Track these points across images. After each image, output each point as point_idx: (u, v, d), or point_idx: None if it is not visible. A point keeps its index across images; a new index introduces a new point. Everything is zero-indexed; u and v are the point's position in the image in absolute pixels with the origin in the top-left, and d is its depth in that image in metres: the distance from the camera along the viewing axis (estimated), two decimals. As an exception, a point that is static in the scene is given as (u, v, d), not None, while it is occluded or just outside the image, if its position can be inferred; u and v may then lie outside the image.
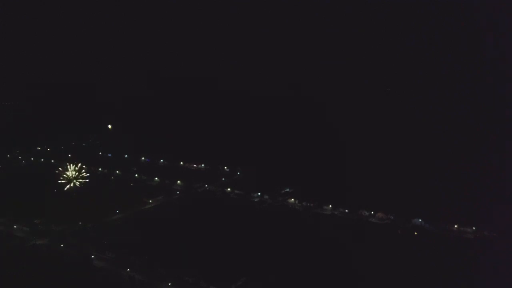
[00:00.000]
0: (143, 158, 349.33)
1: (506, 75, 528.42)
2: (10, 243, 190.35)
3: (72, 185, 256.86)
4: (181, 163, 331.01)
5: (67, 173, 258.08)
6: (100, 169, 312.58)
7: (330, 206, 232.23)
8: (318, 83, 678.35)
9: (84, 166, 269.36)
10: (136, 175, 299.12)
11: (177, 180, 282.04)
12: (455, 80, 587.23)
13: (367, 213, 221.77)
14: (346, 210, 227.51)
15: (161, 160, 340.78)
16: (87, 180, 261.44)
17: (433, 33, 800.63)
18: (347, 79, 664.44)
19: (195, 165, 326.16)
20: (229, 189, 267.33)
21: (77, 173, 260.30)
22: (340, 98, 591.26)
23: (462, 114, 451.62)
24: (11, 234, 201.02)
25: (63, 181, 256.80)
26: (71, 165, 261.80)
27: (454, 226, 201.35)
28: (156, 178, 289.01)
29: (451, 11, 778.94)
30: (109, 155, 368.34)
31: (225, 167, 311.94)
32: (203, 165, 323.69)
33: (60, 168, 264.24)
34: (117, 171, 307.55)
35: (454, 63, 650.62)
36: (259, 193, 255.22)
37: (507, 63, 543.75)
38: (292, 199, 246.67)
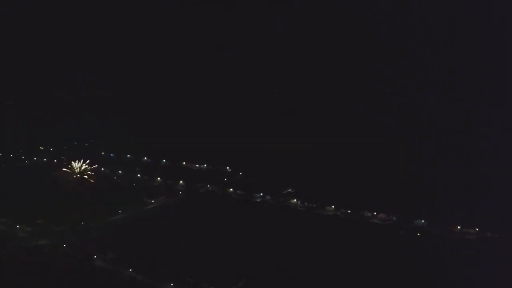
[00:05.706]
0: (145, 158, 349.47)
1: (506, 75, 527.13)
2: (12, 243, 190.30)
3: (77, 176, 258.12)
4: (183, 163, 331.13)
5: (73, 167, 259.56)
6: (102, 169, 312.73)
7: (333, 206, 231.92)
8: (318, 83, 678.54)
9: (87, 161, 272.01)
10: (138, 175, 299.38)
11: (179, 180, 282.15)
12: (455, 80, 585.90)
13: (369, 214, 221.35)
14: (349, 211, 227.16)
15: (163, 160, 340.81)
16: (92, 178, 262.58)
17: (433, 32, 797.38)
18: (347, 78, 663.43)
19: (197, 165, 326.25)
20: (231, 189, 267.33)
21: (82, 167, 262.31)
22: (341, 97, 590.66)
23: (462, 114, 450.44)
24: (13, 234, 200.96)
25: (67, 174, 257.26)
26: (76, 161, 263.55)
27: (456, 227, 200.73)
28: (158, 178, 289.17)
29: (451, 11, 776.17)
30: (111, 155, 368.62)
31: (227, 167, 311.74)
32: (205, 165, 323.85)
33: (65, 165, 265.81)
34: (119, 171, 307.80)
35: (454, 63, 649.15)
36: (261, 194, 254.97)
37: (507, 63, 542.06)
38: (294, 200, 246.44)
